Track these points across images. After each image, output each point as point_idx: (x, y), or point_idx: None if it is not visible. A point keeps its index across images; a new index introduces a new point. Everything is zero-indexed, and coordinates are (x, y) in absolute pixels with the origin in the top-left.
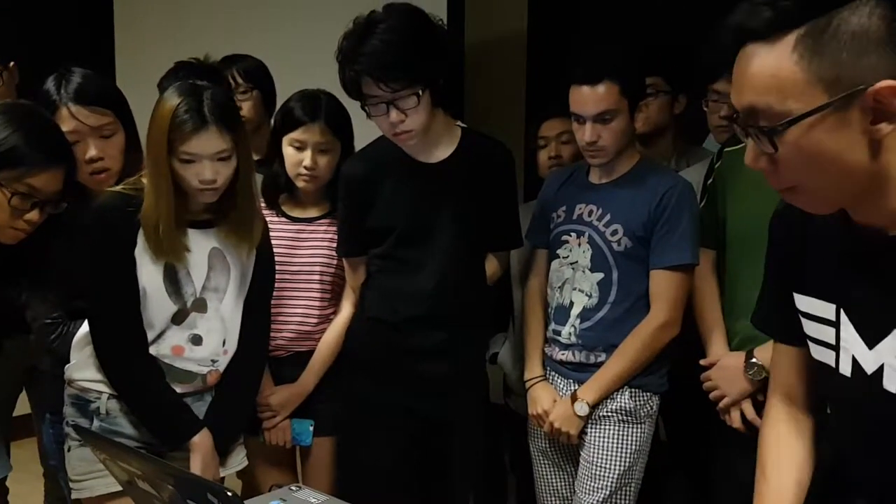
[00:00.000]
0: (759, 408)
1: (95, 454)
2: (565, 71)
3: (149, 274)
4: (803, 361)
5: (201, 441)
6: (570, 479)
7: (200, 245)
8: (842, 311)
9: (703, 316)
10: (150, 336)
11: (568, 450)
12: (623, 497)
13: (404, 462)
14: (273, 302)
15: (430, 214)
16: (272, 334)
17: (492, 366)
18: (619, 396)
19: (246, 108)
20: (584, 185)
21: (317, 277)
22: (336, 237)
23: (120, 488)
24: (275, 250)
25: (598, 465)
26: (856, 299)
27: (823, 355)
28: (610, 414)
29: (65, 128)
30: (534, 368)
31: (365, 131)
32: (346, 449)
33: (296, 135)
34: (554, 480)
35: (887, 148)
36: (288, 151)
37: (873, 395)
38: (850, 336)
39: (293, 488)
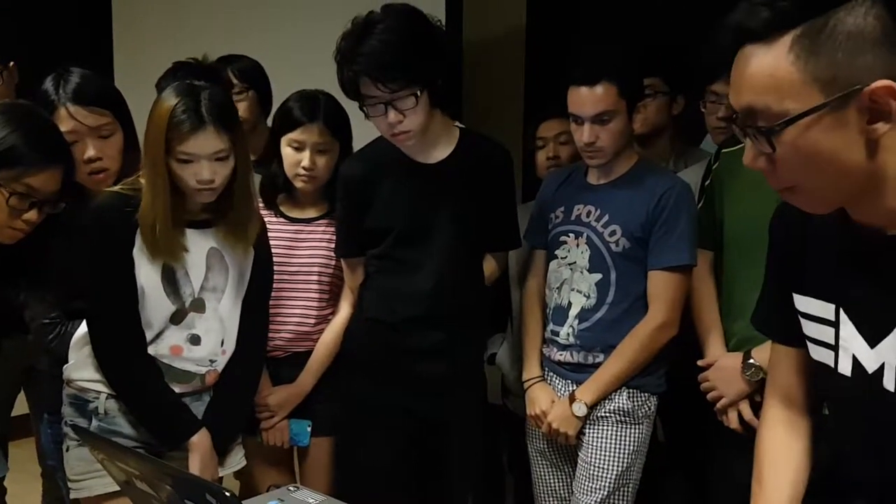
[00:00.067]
0: (757, 408)
1: (93, 454)
2: (564, 70)
3: (147, 274)
4: (802, 362)
5: (200, 441)
6: (568, 480)
7: (198, 245)
8: (841, 310)
9: (700, 317)
10: (149, 336)
11: (566, 450)
12: (621, 497)
13: (402, 462)
14: (271, 302)
15: (429, 215)
16: (270, 335)
17: (490, 366)
18: (617, 397)
19: (241, 108)
20: (583, 186)
21: (315, 278)
22: (334, 238)
23: (118, 488)
24: (273, 251)
25: (596, 465)
26: (855, 298)
27: (822, 355)
28: (608, 414)
29: (63, 128)
30: (532, 369)
31: (363, 132)
32: (344, 449)
33: (294, 135)
34: (552, 481)
35: (884, 147)
36: (286, 152)
37: (873, 394)
38: (849, 335)
39: (291, 489)
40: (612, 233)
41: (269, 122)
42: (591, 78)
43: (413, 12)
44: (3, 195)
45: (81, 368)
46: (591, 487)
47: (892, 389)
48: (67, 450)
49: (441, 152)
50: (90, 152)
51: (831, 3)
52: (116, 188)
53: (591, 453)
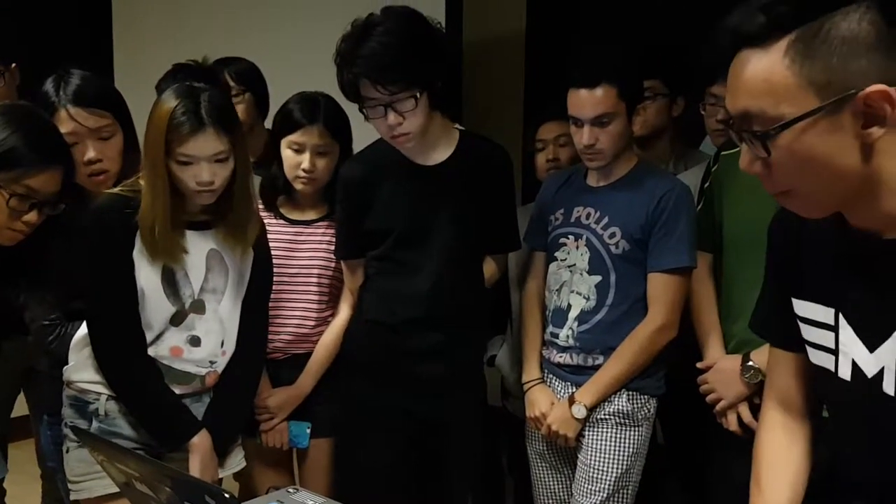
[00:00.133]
0: (756, 411)
1: (93, 455)
2: (564, 72)
3: (147, 275)
4: (801, 366)
5: (200, 442)
6: (568, 482)
7: (198, 246)
8: (840, 314)
9: (699, 319)
10: (149, 337)
11: (565, 452)
12: (620, 500)
13: (402, 464)
14: (271, 304)
15: (428, 217)
16: (270, 337)
17: (489, 368)
18: (616, 399)
19: (239, 110)
20: (582, 188)
21: (315, 280)
22: (334, 240)
23: (118, 490)
24: (273, 253)
25: (596, 467)
26: (853, 302)
27: (822, 360)
28: (607, 417)
29: (63, 129)
30: (531, 371)
31: (363, 133)
32: (343, 451)
33: (294, 137)
34: (551, 483)
35: (879, 151)
36: (286, 153)
37: (873, 398)
38: (849, 340)
39: (290, 490)
40: (612, 235)
41: (267, 123)
42: (590, 80)
43: (413, 14)
44: (3, 196)
45: (81, 370)
46: (591, 490)
47: (892, 394)
48: (67, 451)
49: (441, 154)
50: (90, 154)
51: (826, 8)
52: (116, 190)
53: (591, 455)
